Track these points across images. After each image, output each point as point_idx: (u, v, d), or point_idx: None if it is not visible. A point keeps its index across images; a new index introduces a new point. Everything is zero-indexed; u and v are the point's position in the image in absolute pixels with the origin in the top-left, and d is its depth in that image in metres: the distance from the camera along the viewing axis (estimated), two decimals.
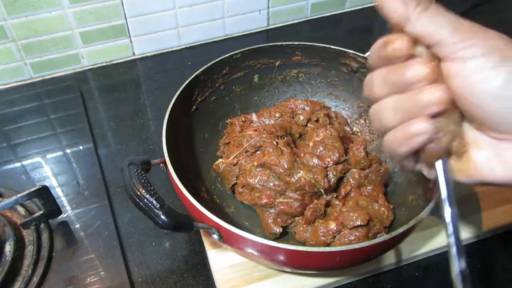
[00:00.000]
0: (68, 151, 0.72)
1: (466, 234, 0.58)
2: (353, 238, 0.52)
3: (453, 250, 0.32)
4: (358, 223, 0.52)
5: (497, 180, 0.30)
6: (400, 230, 0.44)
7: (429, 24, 0.28)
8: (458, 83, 0.28)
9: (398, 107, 0.31)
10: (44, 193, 0.57)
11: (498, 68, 0.27)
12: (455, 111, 0.31)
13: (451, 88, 0.29)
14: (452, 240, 0.32)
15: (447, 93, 0.29)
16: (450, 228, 0.32)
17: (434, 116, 0.30)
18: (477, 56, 0.27)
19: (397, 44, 0.30)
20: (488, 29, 0.28)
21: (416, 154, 0.33)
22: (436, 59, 0.30)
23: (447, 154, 0.32)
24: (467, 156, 0.32)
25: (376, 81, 0.32)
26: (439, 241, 0.57)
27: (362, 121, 0.71)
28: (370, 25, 1.02)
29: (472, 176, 0.31)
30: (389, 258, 0.56)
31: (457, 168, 0.32)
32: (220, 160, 0.63)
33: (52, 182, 0.67)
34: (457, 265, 0.31)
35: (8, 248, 0.56)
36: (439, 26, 0.28)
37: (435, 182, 0.33)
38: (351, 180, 0.59)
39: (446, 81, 0.29)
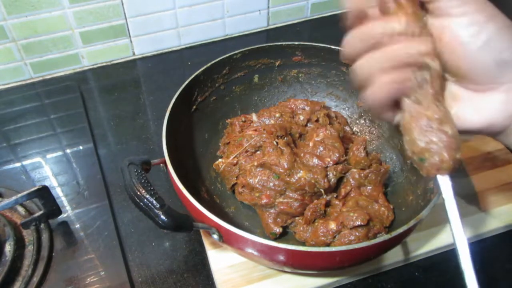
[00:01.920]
0: (68, 151, 0.72)
1: (466, 234, 0.58)
2: (353, 238, 0.52)
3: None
4: (358, 223, 0.52)
5: (472, 127, 0.34)
6: (400, 230, 0.44)
7: None
8: (450, 35, 0.32)
9: (382, 59, 0.33)
10: (44, 193, 0.57)
11: (487, 23, 0.31)
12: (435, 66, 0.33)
13: (441, 41, 0.33)
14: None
15: (429, 45, 0.32)
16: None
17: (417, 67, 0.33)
18: (469, 13, 0.31)
19: None
20: None
21: (395, 106, 0.36)
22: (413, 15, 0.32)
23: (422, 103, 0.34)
24: (448, 103, 0.35)
25: (357, 37, 0.34)
26: (439, 241, 0.57)
27: (362, 121, 0.71)
28: None
29: None
30: (389, 258, 0.56)
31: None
32: (220, 160, 0.63)
33: (52, 182, 0.67)
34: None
35: (8, 248, 0.56)
36: None
37: (436, 188, 0.34)
38: (351, 180, 0.59)
39: (437, 35, 0.33)
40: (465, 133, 0.35)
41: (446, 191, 0.35)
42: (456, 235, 0.34)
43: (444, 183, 0.35)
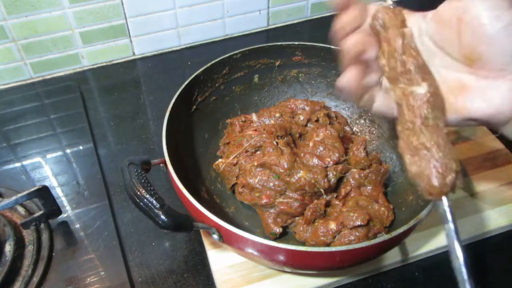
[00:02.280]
0: (68, 151, 0.72)
1: (467, 234, 0.58)
2: (353, 238, 0.52)
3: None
4: (358, 223, 0.52)
5: (480, 116, 0.35)
6: (400, 230, 0.44)
7: None
8: (471, 16, 0.33)
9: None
10: (44, 193, 0.57)
11: (508, 9, 0.32)
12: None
13: (462, 21, 0.33)
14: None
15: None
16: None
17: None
18: None
19: None
20: None
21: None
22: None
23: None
24: (457, 96, 0.36)
25: (345, 19, 0.37)
26: (439, 241, 0.57)
27: (362, 121, 0.71)
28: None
29: (460, 112, 0.35)
30: (389, 258, 0.56)
31: (448, 107, 0.36)
32: (220, 160, 0.63)
33: (52, 182, 0.67)
34: None
35: (8, 248, 0.56)
36: None
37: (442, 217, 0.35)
38: (351, 180, 0.59)
39: (458, 15, 0.34)
40: (473, 122, 0.36)
41: (444, 214, 0.35)
42: (454, 259, 0.35)
43: (442, 204, 0.35)
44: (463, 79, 0.36)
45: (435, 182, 0.34)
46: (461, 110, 0.35)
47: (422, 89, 0.35)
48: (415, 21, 0.38)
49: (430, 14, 0.37)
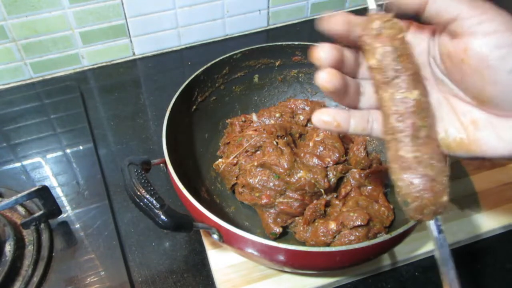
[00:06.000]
0: (68, 151, 0.72)
1: (467, 234, 0.58)
2: (353, 238, 0.52)
3: None
4: (358, 223, 0.52)
5: (497, 155, 0.32)
6: (400, 230, 0.44)
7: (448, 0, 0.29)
8: (475, 57, 0.29)
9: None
10: (44, 193, 0.57)
11: None
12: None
13: (464, 63, 0.30)
14: None
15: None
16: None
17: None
18: (498, 31, 0.28)
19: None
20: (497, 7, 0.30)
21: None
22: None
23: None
24: (467, 132, 0.33)
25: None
26: None
27: None
28: None
29: (472, 151, 0.33)
30: (389, 258, 0.56)
31: (458, 144, 0.33)
32: (220, 160, 0.63)
33: (52, 182, 0.67)
34: None
35: (8, 248, 0.56)
36: (458, 1, 0.29)
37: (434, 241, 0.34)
38: (351, 180, 0.59)
39: (458, 56, 0.30)
40: (488, 159, 0.33)
41: (435, 235, 0.33)
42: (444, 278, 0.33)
43: (433, 226, 0.34)
44: (474, 114, 0.32)
45: (428, 201, 0.32)
46: (473, 147, 0.32)
47: (413, 96, 0.32)
48: (423, 38, 0.34)
49: (436, 39, 0.33)
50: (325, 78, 0.33)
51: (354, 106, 0.38)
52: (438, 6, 0.30)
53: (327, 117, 0.36)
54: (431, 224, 0.34)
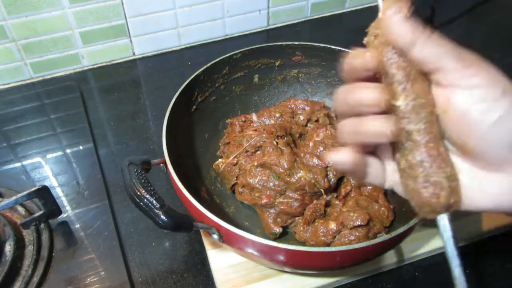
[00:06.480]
0: (68, 151, 0.72)
1: (466, 234, 0.58)
2: (353, 238, 0.52)
3: None
4: (358, 223, 0.52)
5: (479, 208, 0.31)
6: (400, 230, 0.44)
7: (434, 50, 0.29)
8: (458, 110, 0.29)
9: (351, 130, 0.33)
10: (44, 193, 0.57)
11: (500, 99, 0.28)
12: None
13: (447, 114, 0.30)
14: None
15: (394, 126, 0.31)
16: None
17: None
18: (482, 85, 0.28)
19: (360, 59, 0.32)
20: (486, 60, 0.29)
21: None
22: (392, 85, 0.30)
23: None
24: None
25: (339, 97, 0.33)
26: (439, 241, 0.57)
27: None
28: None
29: (464, 204, 0.32)
30: (389, 258, 0.56)
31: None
32: (220, 160, 0.63)
33: (52, 182, 0.67)
34: None
35: (8, 248, 0.56)
36: (444, 53, 0.28)
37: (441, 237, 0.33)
38: (351, 180, 0.59)
39: (442, 106, 0.30)
40: (480, 211, 0.33)
41: (444, 231, 0.33)
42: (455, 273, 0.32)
43: (443, 222, 0.33)
44: (456, 162, 0.32)
45: (427, 203, 0.31)
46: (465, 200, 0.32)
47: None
48: None
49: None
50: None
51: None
52: (424, 55, 0.29)
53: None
54: (441, 219, 0.33)
